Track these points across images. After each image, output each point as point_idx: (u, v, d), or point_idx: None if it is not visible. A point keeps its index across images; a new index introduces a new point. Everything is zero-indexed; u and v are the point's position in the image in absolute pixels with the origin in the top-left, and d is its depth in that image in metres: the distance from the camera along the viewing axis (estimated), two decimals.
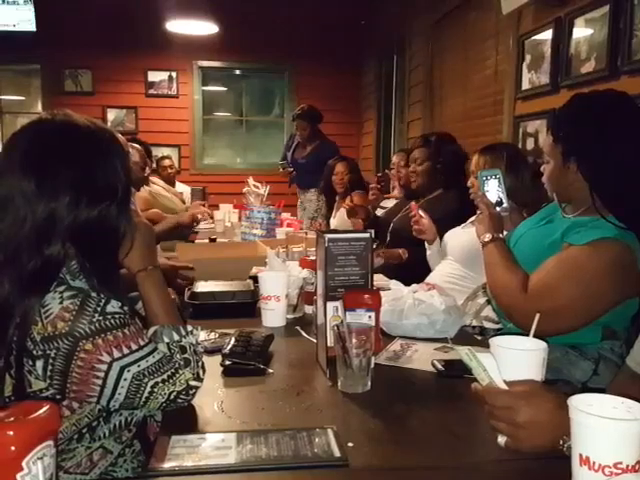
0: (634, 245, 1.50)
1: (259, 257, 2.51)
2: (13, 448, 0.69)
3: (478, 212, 1.84)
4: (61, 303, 1.05)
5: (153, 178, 4.79)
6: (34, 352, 1.04)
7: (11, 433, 0.69)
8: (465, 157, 3.03)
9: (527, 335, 1.09)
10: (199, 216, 3.55)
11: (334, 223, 4.37)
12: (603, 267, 1.49)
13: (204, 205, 4.31)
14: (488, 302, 1.86)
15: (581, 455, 0.81)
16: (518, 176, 2.26)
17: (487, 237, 1.73)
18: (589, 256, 1.50)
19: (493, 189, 1.89)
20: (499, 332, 1.74)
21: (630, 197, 1.53)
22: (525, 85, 3.25)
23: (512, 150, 2.39)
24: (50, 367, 1.05)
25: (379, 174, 4.05)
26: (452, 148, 3.05)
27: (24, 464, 0.70)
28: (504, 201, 1.88)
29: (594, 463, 0.80)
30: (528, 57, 3.22)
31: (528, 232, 1.78)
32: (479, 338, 1.76)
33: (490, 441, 1.02)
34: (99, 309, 1.07)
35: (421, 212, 2.54)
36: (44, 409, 0.74)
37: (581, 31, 2.75)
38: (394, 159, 4.17)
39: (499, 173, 1.90)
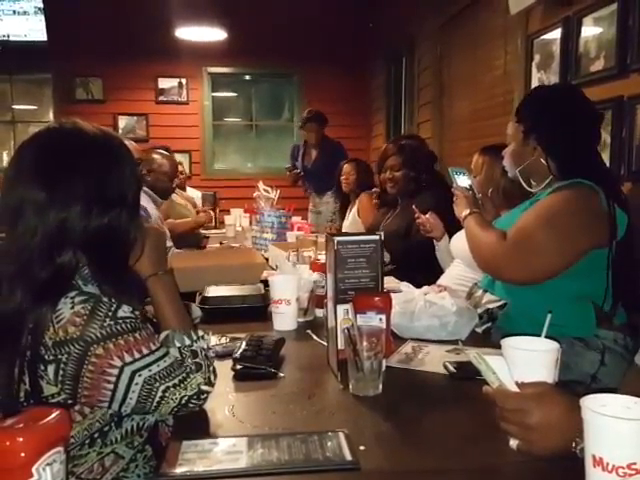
0: (597, 188, 1.67)
1: (255, 264, 2.48)
2: (23, 454, 0.69)
3: (454, 198, 2.00)
4: (72, 308, 1.06)
5: None
6: (46, 357, 1.05)
7: (21, 439, 0.70)
8: (435, 158, 3.32)
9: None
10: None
11: (346, 225, 4.36)
12: (572, 205, 1.66)
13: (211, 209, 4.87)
14: (485, 291, 1.91)
15: (594, 456, 0.80)
16: (514, 179, 2.29)
17: (466, 212, 1.91)
18: (558, 198, 1.68)
19: (464, 182, 2.05)
20: (504, 306, 1.81)
21: (580, 160, 1.76)
22: (535, 85, 3.22)
23: None
24: (62, 372, 1.05)
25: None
26: (424, 152, 3.21)
27: (34, 470, 0.70)
28: (475, 191, 2.04)
29: (607, 464, 0.79)
30: (537, 57, 3.20)
31: (504, 217, 1.99)
32: (490, 325, 1.81)
33: (503, 443, 1.01)
34: (110, 314, 1.08)
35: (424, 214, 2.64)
36: (54, 415, 0.74)
37: (590, 29, 2.73)
38: None
39: (465, 170, 2.10)
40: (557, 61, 2.98)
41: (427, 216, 2.58)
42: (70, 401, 1.08)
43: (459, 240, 2.41)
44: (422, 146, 3.26)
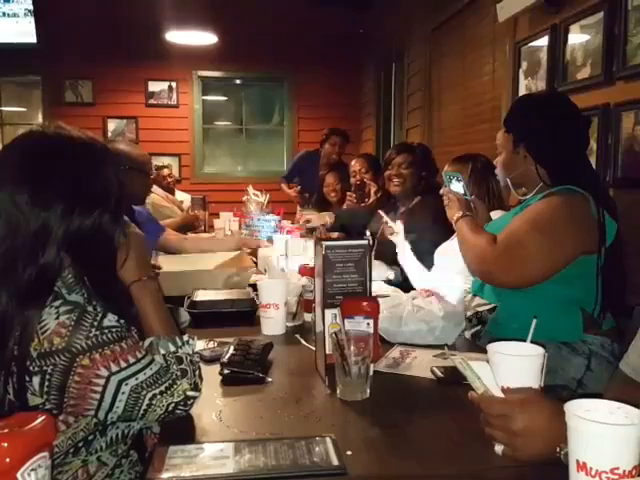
0: (587, 195, 1.69)
1: (243, 269, 2.47)
2: (7, 460, 0.69)
3: (445, 200, 2.01)
4: (57, 318, 1.05)
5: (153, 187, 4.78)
6: (31, 368, 1.04)
7: (5, 445, 0.69)
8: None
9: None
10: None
11: None
12: (561, 211, 1.68)
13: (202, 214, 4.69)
14: (474, 295, 1.94)
15: (578, 461, 0.81)
16: (482, 187, 2.36)
17: (458, 214, 1.92)
18: (548, 204, 1.70)
19: (457, 186, 2.05)
20: (494, 309, 1.84)
21: (570, 167, 1.78)
22: (522, 91, 3.24)
23: (478, 162, 2.45)
24: (47, 383, 1.04)
25: (358, 182, 3.95)
26: (431, 160, 3.17)
27: (19, 475, 0.69)
28: (467, 194, 2.04)
29: (591, 469, 0.79)
30: (524, 64, 3.23)
31: (495, 220, 2.01)
32: (479, 328, 1.83)
33: (489, 448, 1.02)
34: (96, 324, 1.07)
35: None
36: (39, 420, 0.74)
37: (576, 37, 2.76)
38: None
39: (460, 175, 2.09)
40: (544, 68, 3.01)
41: (397, 222, 2.66)
42: (55, 411, 1.07)
43: (449, 251, 2.42)
44: (429, 154, 3.24)
